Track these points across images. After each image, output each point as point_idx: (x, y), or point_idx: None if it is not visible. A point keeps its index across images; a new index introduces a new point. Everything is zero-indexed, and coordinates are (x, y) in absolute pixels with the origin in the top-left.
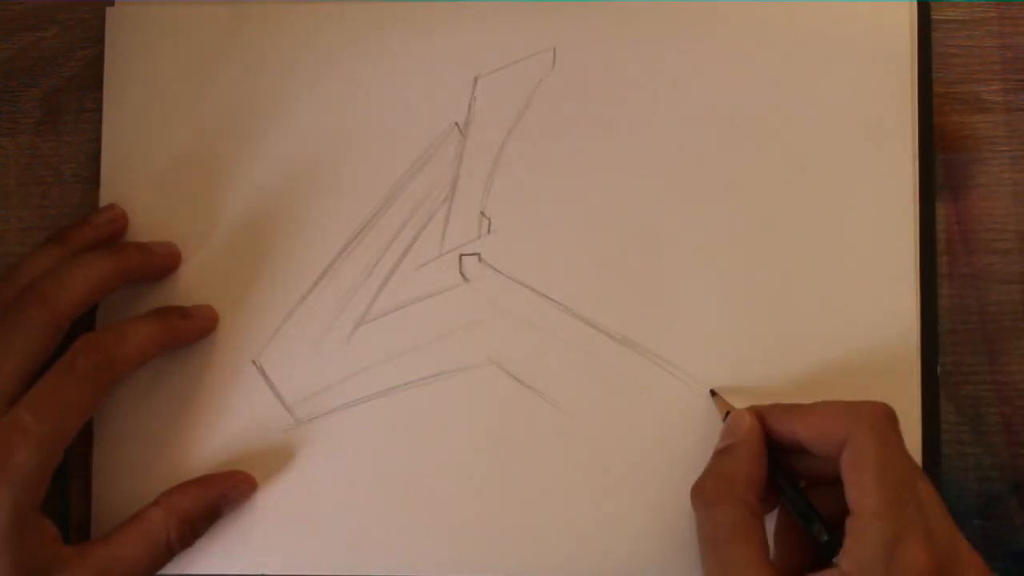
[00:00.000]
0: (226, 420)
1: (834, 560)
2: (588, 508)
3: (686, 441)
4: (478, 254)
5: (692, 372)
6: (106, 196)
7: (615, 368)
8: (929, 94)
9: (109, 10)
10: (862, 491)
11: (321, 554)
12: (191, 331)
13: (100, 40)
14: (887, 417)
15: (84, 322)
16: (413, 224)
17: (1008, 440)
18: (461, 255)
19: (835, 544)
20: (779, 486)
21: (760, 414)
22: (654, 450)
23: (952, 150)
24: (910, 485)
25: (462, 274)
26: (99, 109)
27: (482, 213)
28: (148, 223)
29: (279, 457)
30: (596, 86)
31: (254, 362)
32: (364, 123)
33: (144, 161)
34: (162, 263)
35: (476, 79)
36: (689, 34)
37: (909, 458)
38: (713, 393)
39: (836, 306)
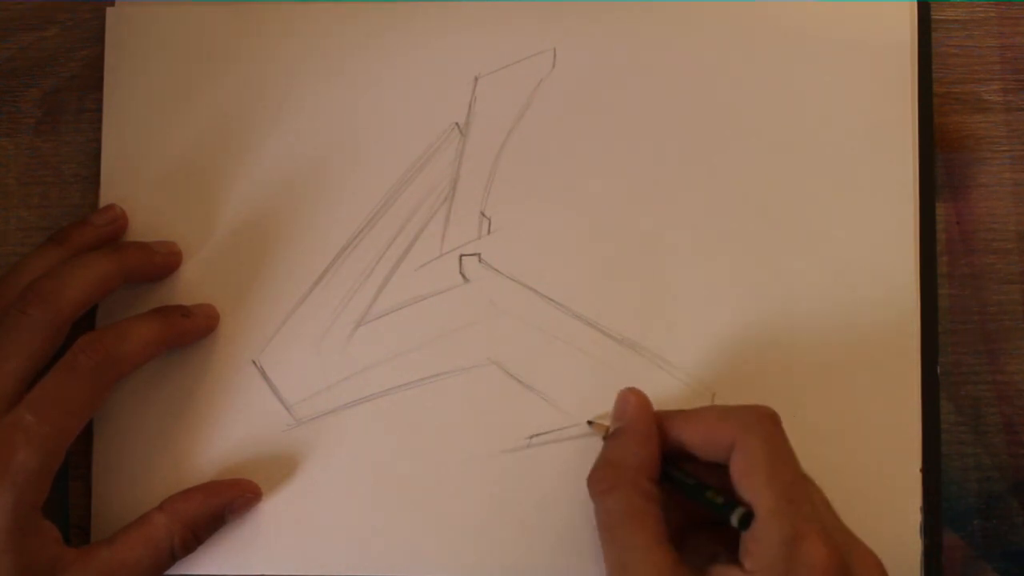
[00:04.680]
0: (226, 420)
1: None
2: (588, 509)
3: None
4: (478, 254)
5: (692, 372)
6: (106, 196)
7: (615, 368)
8: (929, 94)
9: (109, 10)
10: (755, 492)
11: (320, 554)
12: (192, 330)
13: (100, 40)
14: (771, 420)
15: (84, 322)
16: (413, 224)
17: (1008, 440)
18: (461, 255)
19: (745, 525)
20: (679, 480)
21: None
22: None
23: (952, 150)
24: (801, 485)
25: (462, 274)
26: (99, 109)
27: (482, 213)
28: (148, 223)
29: (279, 457)
30: (596, 86)
31: (254, 362)
32: (364, 123)
33: (144, 161)
34: (163, 262)
35: (476, 79)
36: (689, 34)
37: (796, 460)
38: (590, 423)
39: (836, 306)
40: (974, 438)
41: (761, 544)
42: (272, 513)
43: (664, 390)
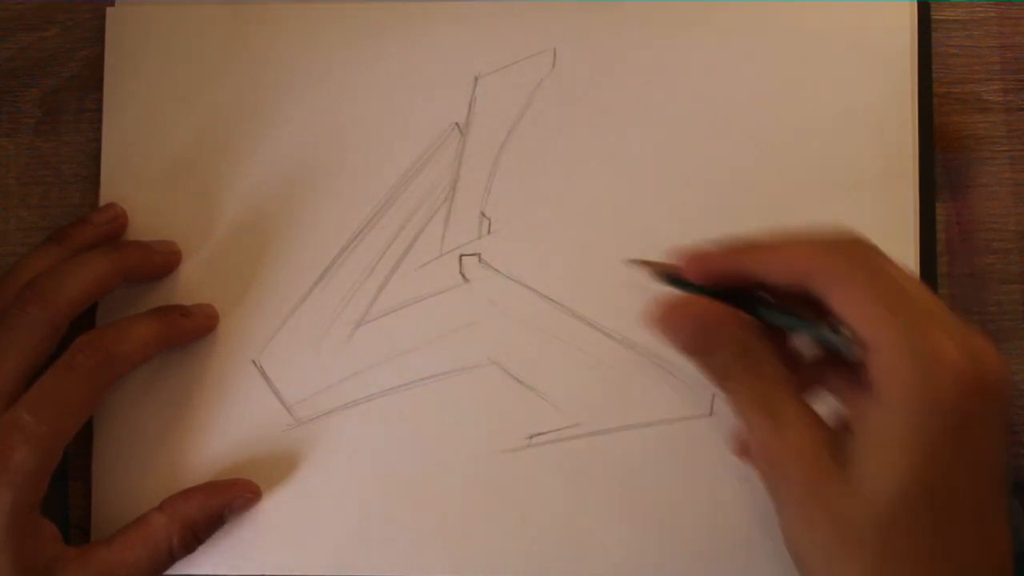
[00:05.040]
0: (226, 420)
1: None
2: (588, 509)
3: (686, 441)
4: (478, 254)
5: (692, 372)
6: (106, 196)
7: (615, 368)
8: (929, 94)
9: (109, 10)
10: (861, 312)
11: (321, 554)
12: (192, 330)
13: (100, 40)
14: (864, 246)
15: (84, 322)
16: (413, 224)
17: (1008, 440)
18: (461, 255)
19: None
20: (767, 318)
21: (714, 261)
22: (653, 450)
23: (952, 150)
24: (909, 288)
25: (462, 274)
26: (99, 109)
27: (482, 213)
28: (148, 223)
29: (279, 457)
30: (596, 86)
31: (254, 362)
32: (364, 123)
33: (144, 161)
34: (163, 262)
35: (476, 79)
36: (689, 34)
37: (900, 269)
38: (635, 263)
39: None
40: None
41: (884, 357)
42: (272, 513)
43: (664, 390)
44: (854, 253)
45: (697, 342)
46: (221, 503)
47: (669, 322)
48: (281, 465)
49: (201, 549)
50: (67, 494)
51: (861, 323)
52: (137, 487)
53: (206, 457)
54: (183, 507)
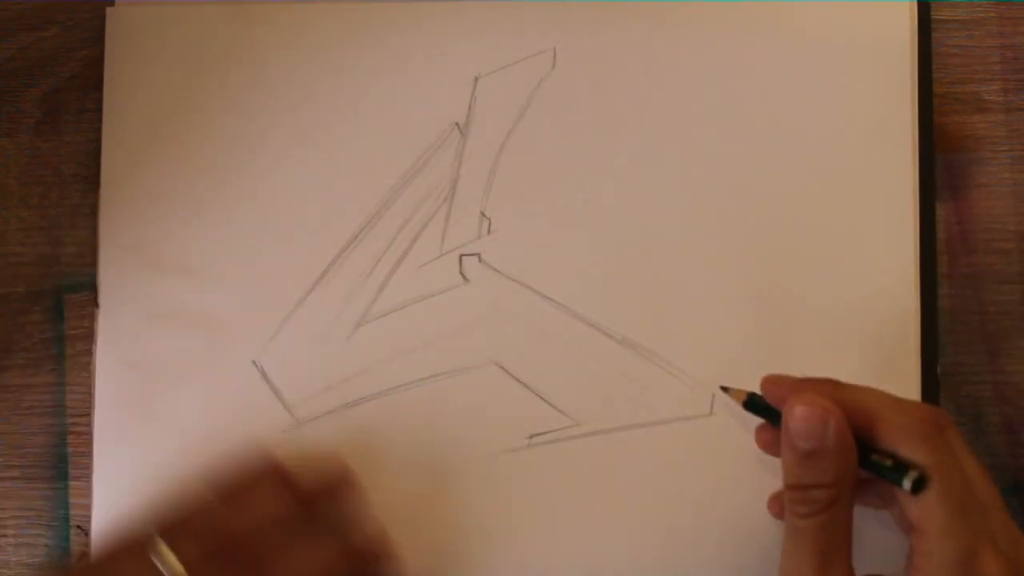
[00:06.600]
0: (226, 420)
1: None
2: (588, 508)
3: (686, 441)
4: (478, 254)
5: (692, 372)
6: (106, 196)
7: (615, 368)
8: (929, 94)
9: (109, 10)
10: (925, 508)
11: None
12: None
13: (100, 40)
14: (937, 425)
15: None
16: (413, 224)
17: (1008, 440)
18: (461, 255)
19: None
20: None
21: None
22: (654, 450)
23: (952, 150)
24: (971, 491)
25: (462, 274)
26: (99, 109)
27: (482, 213)
28: (148, 223)
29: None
30: (596, 86)
31: (254, 362)
32: (364, 123)
33: (144, 161)
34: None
35: (476, 79)
36: (689, 34)
37: (968, 461)
38: (725, 389)
39: (836, 306)
40: (974, 438)
41: (931, 563)
42: None
43: (664, 390)
44: (928, 441)
45: (840, 441)
46: None
47: (814, 411)
48: None
49: None
50: (67, 495)
51: (916, 507)
52: (138, 488)
53: (206, 457)
54: None
